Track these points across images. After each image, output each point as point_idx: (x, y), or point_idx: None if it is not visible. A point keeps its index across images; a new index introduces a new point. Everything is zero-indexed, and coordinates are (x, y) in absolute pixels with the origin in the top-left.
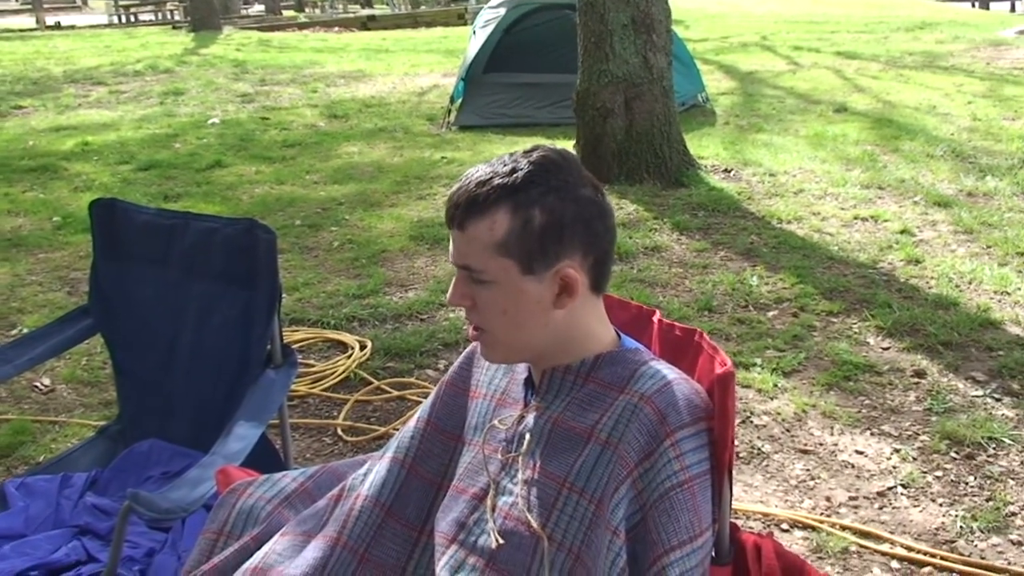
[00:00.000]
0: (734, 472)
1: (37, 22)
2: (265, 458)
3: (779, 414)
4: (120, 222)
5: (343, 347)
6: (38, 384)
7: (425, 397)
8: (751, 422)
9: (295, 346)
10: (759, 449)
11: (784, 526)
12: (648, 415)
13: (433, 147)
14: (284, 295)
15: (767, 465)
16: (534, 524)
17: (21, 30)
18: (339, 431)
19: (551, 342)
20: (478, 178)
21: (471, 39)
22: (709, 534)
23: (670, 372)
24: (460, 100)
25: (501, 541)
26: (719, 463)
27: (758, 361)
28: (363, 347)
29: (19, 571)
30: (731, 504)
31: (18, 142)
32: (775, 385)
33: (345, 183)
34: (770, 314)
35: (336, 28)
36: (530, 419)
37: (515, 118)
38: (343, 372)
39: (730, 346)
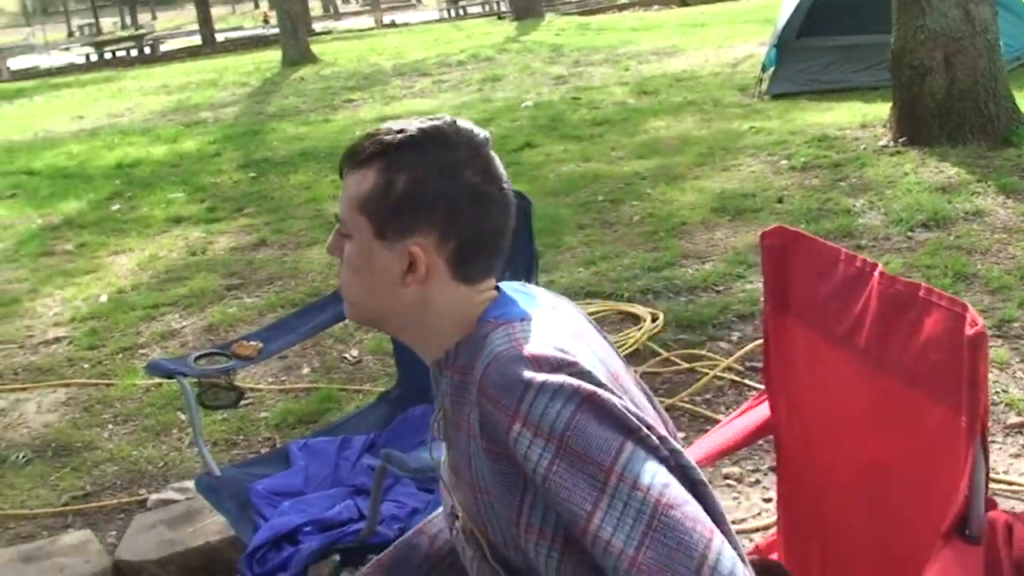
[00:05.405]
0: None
1: (375, 22)
2: None
3: None
4: None
5: (635, 319)
6: (347, 356)
7: (713, 368)
8: None
9: (589, 318)
10: None
11: None
12: (485, 406)
13: (742, 118)
14: (581, 269)
15: None
16: (478, 535)
17: (360, 30)
18: None
19: (406, 320)
20: (374, 131)
21: (784, 3)
22: (621, 462)
23: (499, 343)
24: (772, 68)
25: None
26: (970, 431)
27: None
28: (655, 319)
29: (295, 525)
30: (987, 476)
31: (346, 132)
32: None
33: (649, 157)
34: None
35: (655, 6)
36: (440, 419)
37: (830, 83)
38: (633, 344)
39: None
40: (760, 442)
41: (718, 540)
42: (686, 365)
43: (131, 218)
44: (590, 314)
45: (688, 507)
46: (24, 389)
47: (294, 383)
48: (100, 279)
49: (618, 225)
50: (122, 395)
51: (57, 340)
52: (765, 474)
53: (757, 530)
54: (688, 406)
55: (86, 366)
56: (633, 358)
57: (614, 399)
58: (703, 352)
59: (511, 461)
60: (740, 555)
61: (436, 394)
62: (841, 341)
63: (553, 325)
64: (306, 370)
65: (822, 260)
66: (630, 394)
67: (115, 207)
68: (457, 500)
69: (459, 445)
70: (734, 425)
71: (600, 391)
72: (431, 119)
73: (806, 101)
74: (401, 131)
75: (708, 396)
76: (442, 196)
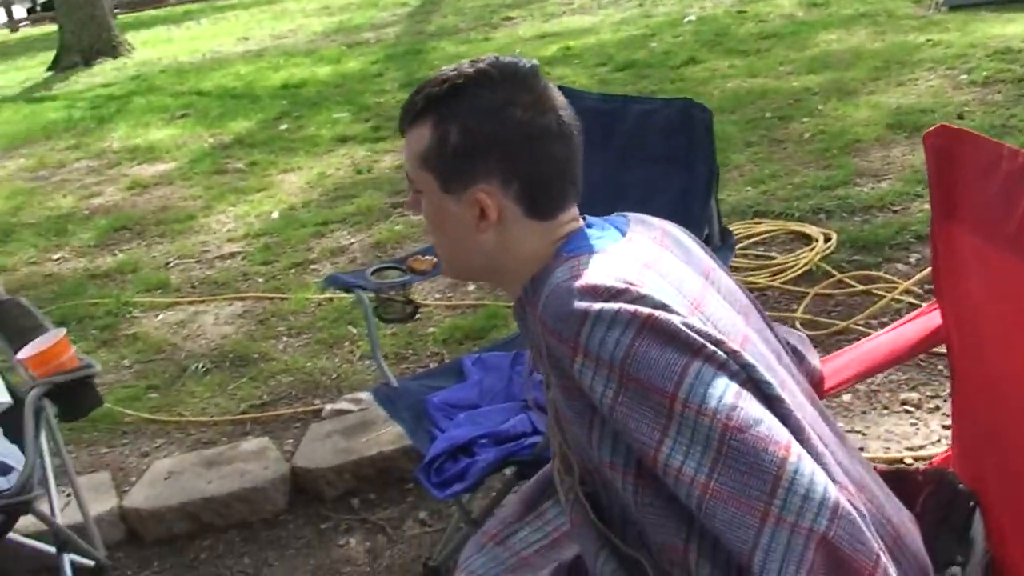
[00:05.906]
0: None
1: None
2: None
3: None
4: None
5: (807, 239)
6: None
7: (890, 291)
8: None
9: (758, 238)
10: None
11: None
12: (548, 339)
13: (918, 30)
14: (749, 188)
15: None
16: (574, 467)
17: None
18: (797, 324)
19: (493, 266)
20: (423, 84)
21: None
22: (685, 387)
23: (560, 276)
24: None
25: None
26: None
27: None
28: (827, 239)
29: (471, 437)
30: None
31: (505, 50)
32: None
33: (820, 72)
34: None
35: None
36: (536, 356)
37: None
38: (805, 265)
39: None
40: (940, 367)
41: (794, 457)
42: (861, 287)
43: (298, 137)
44: (759, 233)
45: (760, 427)
46: (202, 302)
47: (460, 300)
48: (271, 196)
49: (787, 143)
50: (295, 309)
51: (232, 255)
52: (944, 400)
53: (935, 457)
54: (864, 329)
55: (260, 280)
56: (805, 279)
57: (674, 318)
58: (879, 274)
59: (581, 394)
60: (828, 469)
61: (524, 332)
62: (1008, 243)
63: (620, 256)
64: (472, 287)
65: (987, 158)
66: (713, 320)
67: (283, 126)
68: (554, 436)
69: (550, 378)
70: (901, 332)
71: (658, 313)
72: (475, 61)
73: (986, 12)
74: (446, 80)
75: (885, 320)
76: (495, 140)
